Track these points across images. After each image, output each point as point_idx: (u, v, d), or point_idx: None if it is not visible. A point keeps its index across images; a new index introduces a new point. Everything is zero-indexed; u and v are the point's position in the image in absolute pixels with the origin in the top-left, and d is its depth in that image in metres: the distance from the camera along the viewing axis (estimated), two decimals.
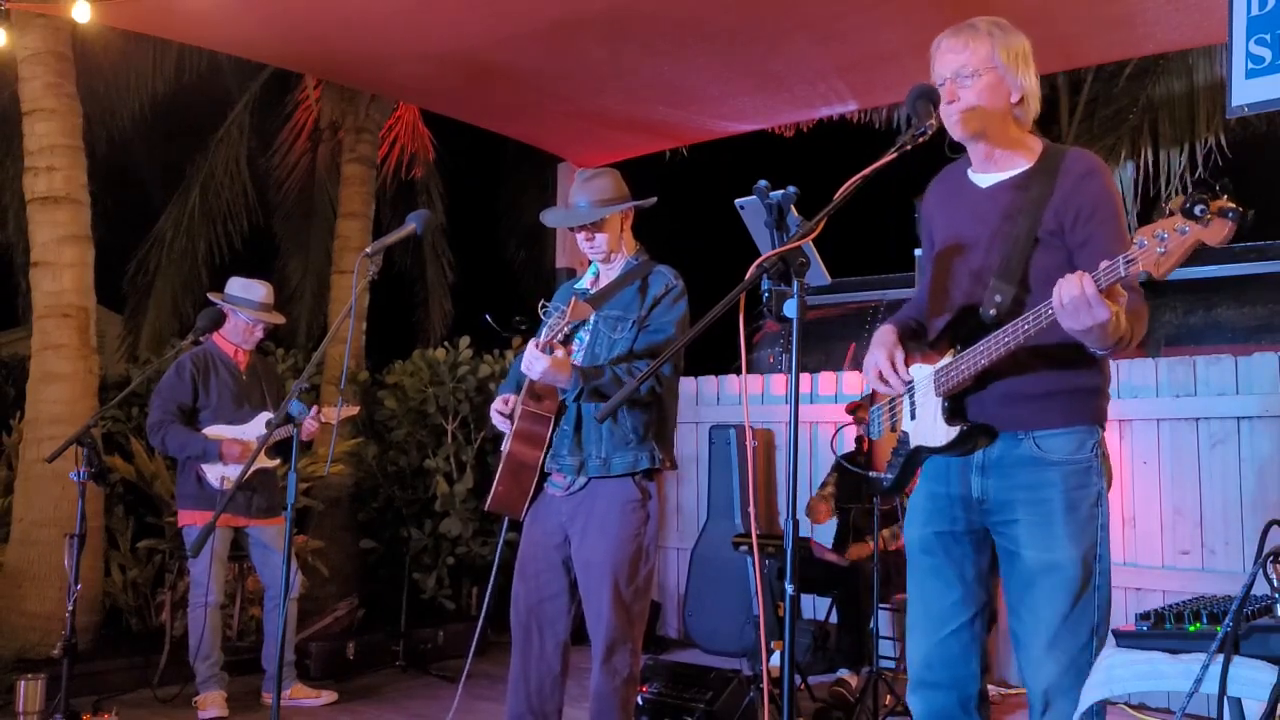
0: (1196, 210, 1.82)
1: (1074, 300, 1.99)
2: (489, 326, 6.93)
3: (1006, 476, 2.32)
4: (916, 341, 2.49)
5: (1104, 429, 2.36)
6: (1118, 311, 2.03)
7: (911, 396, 2.45)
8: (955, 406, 2.33)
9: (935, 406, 2.36)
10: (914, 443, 2.44)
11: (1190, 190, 1.87)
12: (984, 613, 2.43)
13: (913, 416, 2.45)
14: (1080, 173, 2.30)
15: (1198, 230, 1.84)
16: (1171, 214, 1.88)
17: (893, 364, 2.40)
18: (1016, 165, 2.39)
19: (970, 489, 2.37)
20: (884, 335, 2.47)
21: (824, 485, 5.19)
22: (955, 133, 2.34)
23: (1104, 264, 1.97)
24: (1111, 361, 5.35)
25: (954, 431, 2.33)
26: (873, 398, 2.65)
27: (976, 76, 2.31)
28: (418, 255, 10.73)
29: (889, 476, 2.53)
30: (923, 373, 2.41)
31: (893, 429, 2.54)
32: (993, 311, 2.26)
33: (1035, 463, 2.30)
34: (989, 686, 2.52)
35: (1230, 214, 1.82)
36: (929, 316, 2.51)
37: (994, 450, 2.34)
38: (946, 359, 2.34)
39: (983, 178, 2.44)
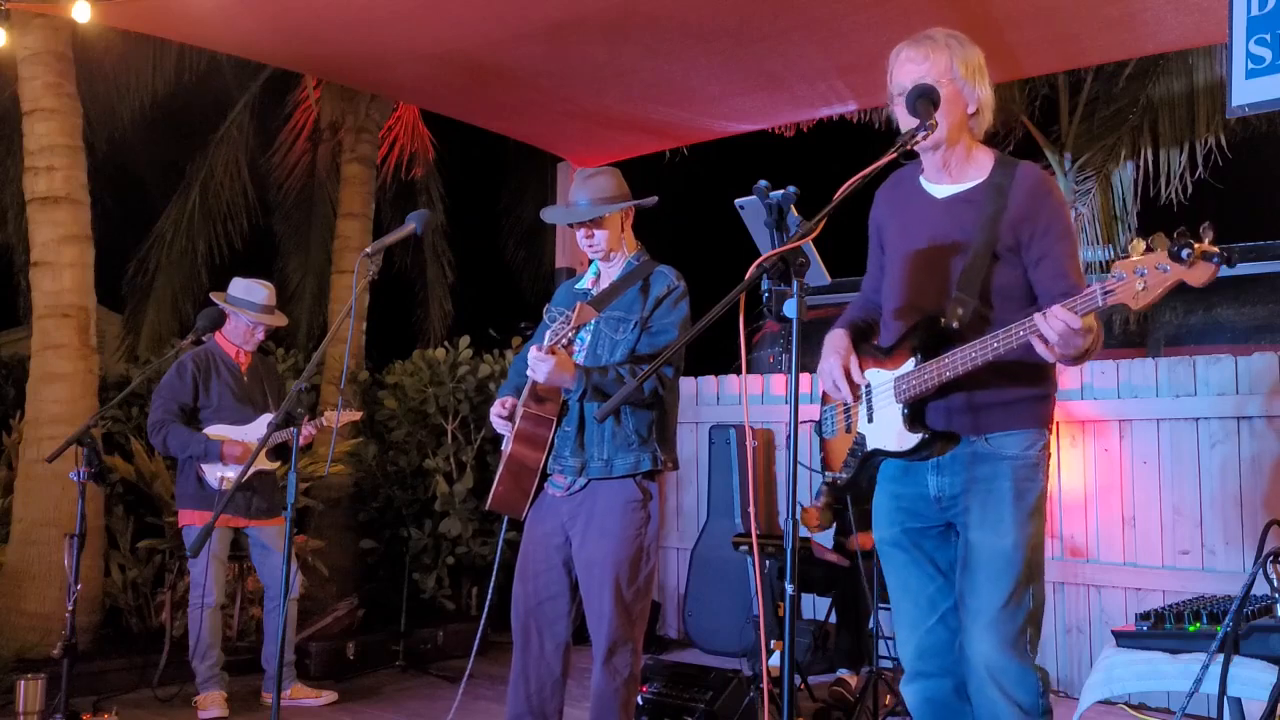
0: (1183, 254, 1.86)
1: (1063, 336, 2.06)
2: (494, 338, 6.94)
3: (960, 472, 2.40)
4: (868, 343, 2.56)
5: (1051, 432, 2.45)
6: (1093, 329, 2.10)
7: (869, 400, 2.49)
8: (916, 414, 2.39)
9: (895, 412, 2.41)
10: (871, 445, 2.49)
11: (1175, 232, 1.90)
12: None
13: (870, 420, 2.49)
14: (1032, 190, 2.37)
15: (1180, 271, 1.89)
16: (1151, 251, 1.92)
17: (847, 372, 2.46)
18: (970, 177, 2.44)
19: (929, 487, 2.44)
20: (837, 341, 2.52)
21: (819, 495, 5.16)
22: (913, 142, 2.36)
23: (1084, 293, 2.04)
24: (1112, 361, 5.36)
25: (916, 438, 2.38)
26: (824, 398, 2.69)
27: (937, 87, 2.34)
28: (418, 255, 10.73)
29: (844, 476, 2.58)
30: (880, 378, 2.46)
31: (847, 430, 2.58)
32: (955, 324, 2.33)
33: (988, 458, 2.38)
34: None
35: (1214, 258, 1.87)
36: (885, 320, 2.57)
37: (948, 450, 2.41)
38: (907, 366, 2.39)
39: (937, 188, 2.49)
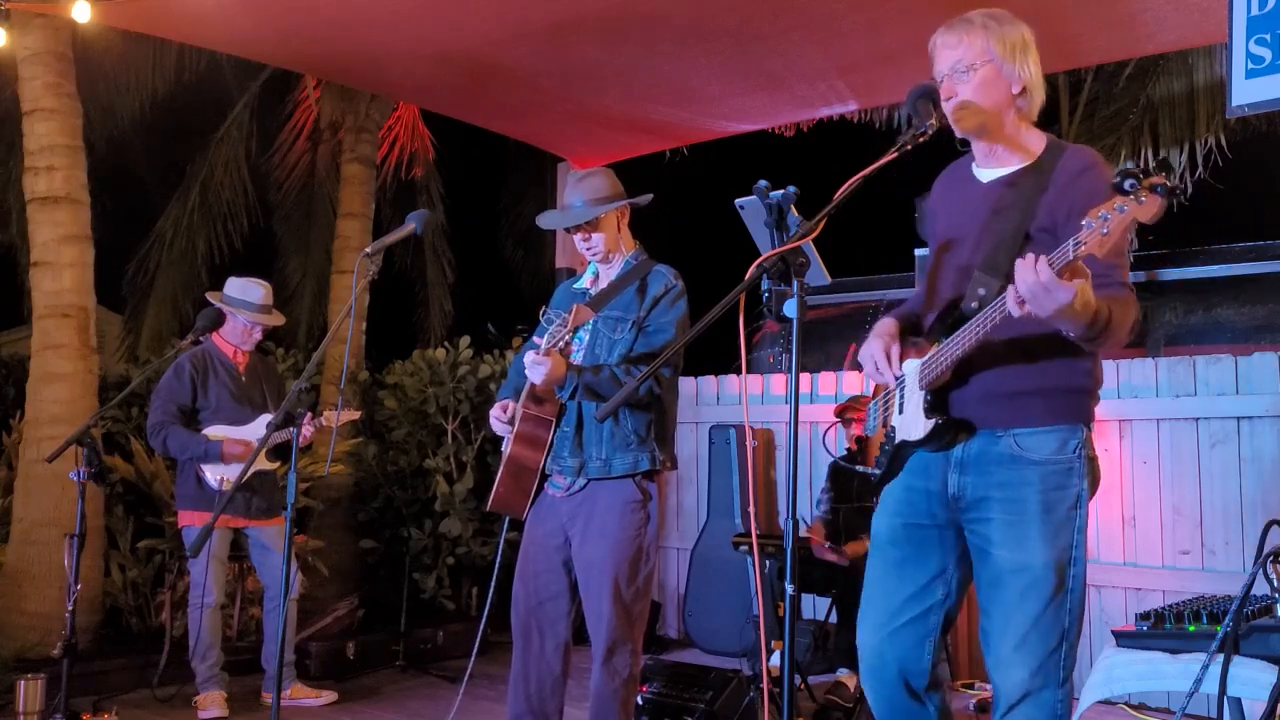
0: (1126, 185, 1.81)
1: (1031, 287, 1.95)
2: (492, 335, 6.93)
3: (984, 474, 2.29)
4: (916, 336, 2.47)
5: (1090, 429, 2.31)
6: (1082, 287, 1.97)
7: (901, 390, 2.43)
8: (936, 400, 2.31)
9: (918, 400, 2.35)
10: (899, 437, 2.42)
11: (1123, 169, 1.86)
12: (942, 608, 2.40)
13: (900, 411, 2.43)
14: (1076, 170, 2.27)
15: (1134, 208, 1.83)
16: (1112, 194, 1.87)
17: (887, 355, 2.39)
18: (1017, 160, 2.36)
19: (947, 485, 2.34)
20: (884, 326, 2.46)
21: (820, 504, 5.13)
22: (955, 129, 2.31)
23: (1058, 249, 1.95)
24: (1111, 361, 5.33)
25: (930, 424, 2.31)
26: (874, 392, 2.62)
27: (972, 71, 2.28)
28: (418, 255, 10.73)
29: (877, 471, 2.51)
30: (911, 367, 2.40)
31: (884, 424, 2.52)
32: (975, 304, 2.23)
33: (1014, 461, 2.26)
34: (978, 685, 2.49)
35: (1159, 189, 1.81)
36: (924, 311, 2.50)
37: (973, 446, 2.31)
38: (931, 351, 2.33)
39: (984, 173, 2.42)
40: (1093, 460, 2.31)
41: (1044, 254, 2.20)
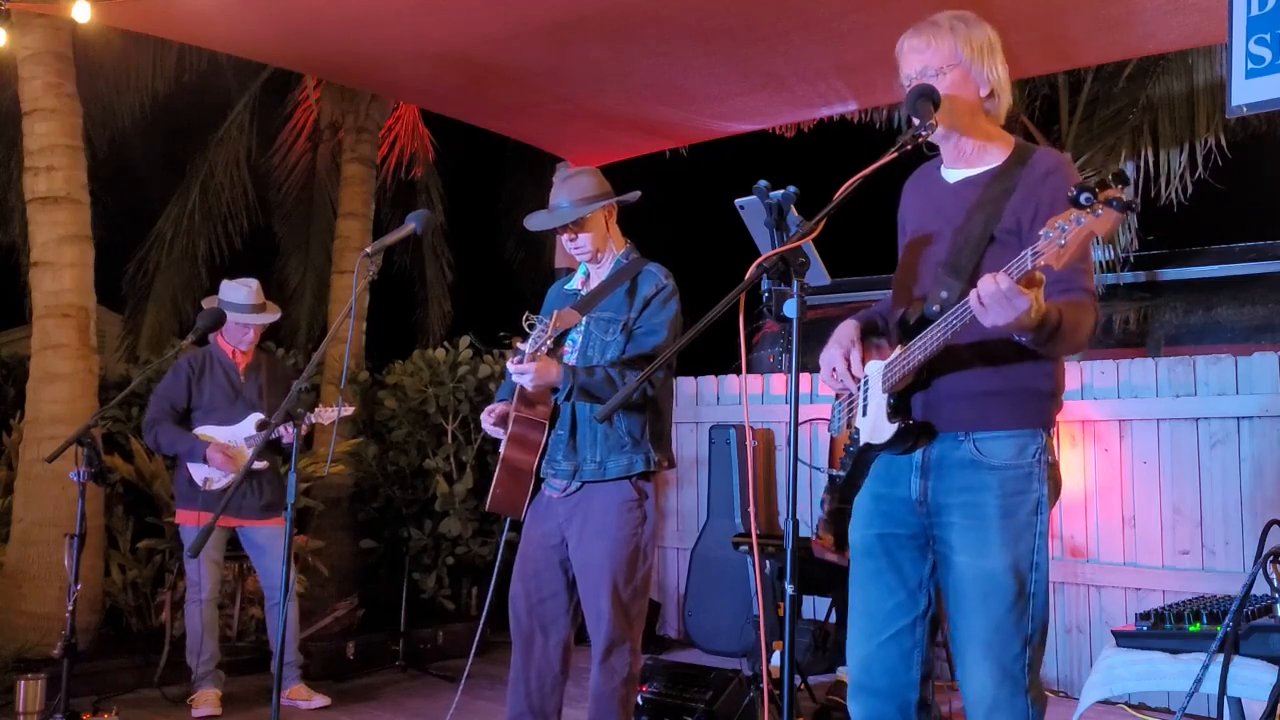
0: (1082, 199, 1.79)
1: (991, 295, 1.96)
2: (516, 333, 6.91)
3: (944, 478, 2.28)
4: (879, 337, 2.46)
5: (1050, 433, 2.30)
6: (1036, 296, 1.98)
7: (865, 393, 2.41)
8: (899, 403, 2.30)
9: (881, 403, 2.34)
10: (862, 440, 2.40)
11: (1084, 180, 1.84)
12: (925, 618, 2.38)
13: (864, 413, 2.41)
14: (1042, 172, 2.27)
15: (1091, 221, 1.82)
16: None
17: (846, 362, 2.38)
18: (986, 162, 2.36)
19: (911, 490, 2.33)
20: (843, 331, 2.44)
21: (823, 504, 5.10)
22: (912, 143, 2.27)
23: (1016, 258, 1.95)
24: (1111, 361, 5.32)
25: (893, 428, 2.29)
26: (837, 396, 2.61)
27: (942, 74, 2.29)
28: (418, 255, 10.74)
29: (840, 474, 2.49)
30: (875, 369, 2.38)
31: (849, 425, 2.50)
32: (936, 307, 2.22)
33: (973, 466, 2.25)
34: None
35: (1114, 203, 1.79)
36: (890, 311, 2.49)
37: (933, 451, 2.30)
38: (895, 354, 2.31)
39: (952, 173, 2.42)
40: (1054, 466, 2.30)
41: (1007, 256, 2.18)
